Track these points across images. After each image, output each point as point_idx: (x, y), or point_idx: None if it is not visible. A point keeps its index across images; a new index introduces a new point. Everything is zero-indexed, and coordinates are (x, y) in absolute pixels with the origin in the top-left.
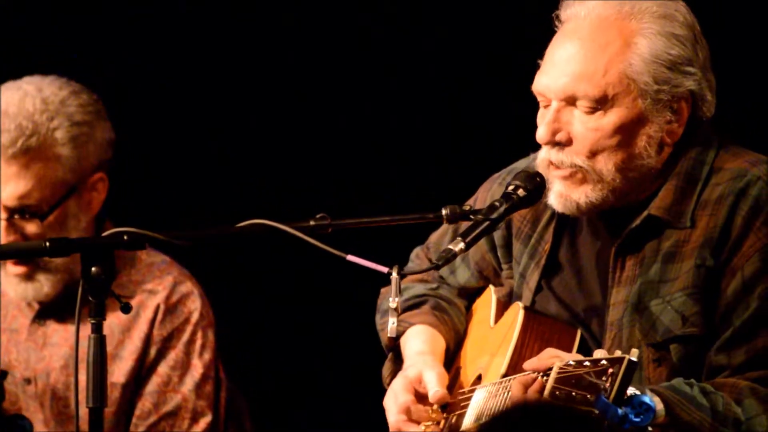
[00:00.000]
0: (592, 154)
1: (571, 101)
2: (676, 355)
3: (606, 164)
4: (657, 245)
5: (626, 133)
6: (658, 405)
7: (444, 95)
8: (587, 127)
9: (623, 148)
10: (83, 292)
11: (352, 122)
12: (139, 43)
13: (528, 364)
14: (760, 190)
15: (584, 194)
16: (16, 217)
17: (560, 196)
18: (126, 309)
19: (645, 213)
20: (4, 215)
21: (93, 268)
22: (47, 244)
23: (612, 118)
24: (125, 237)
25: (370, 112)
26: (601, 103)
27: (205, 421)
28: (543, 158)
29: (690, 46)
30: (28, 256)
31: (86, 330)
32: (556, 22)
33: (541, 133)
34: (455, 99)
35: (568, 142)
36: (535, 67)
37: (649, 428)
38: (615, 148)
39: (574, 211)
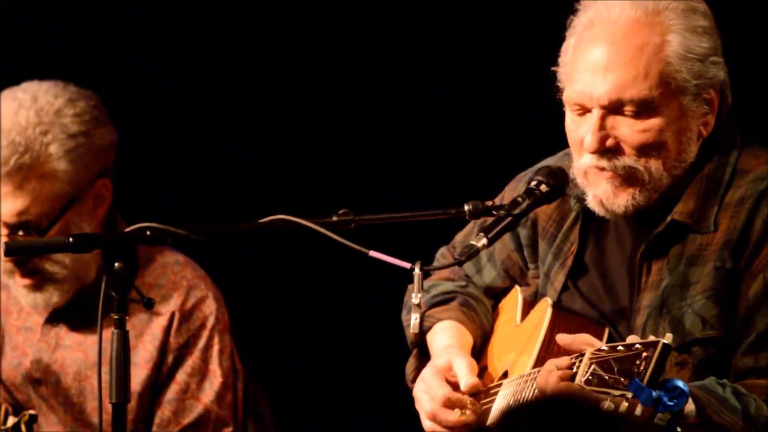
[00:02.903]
0: (644, 155)
1: (615, 107)
2: (698, 358)
3: (655, 163)
4: (681, 249)
5: (671, 131)
6: (690, 405)
7: (471, 92)
8: (635, 130)
9: (670, 147)
10: (106, 288)
11: (376, 119)
12: (152, 36)
13: (561, 338)
14: None
15: (631, 196)
16: (20, 233)
17: (606, 199)
18: (149, 304)
19: (669, 218)
20: (4, 231)
21: (116, 264)
22: (70, 239)
23: (658, 118)
24: (148, 232)
25: (393, 108)
26: (647, 106)
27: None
28: (589, 165)
29: (715, 37)
30: (50, 251)
31: (92, 336)
32: (576, 28)
33: (590, 143)
34: (482, 96)
35: (617, 148)
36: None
37: (678, 429)
38: (664, 147)
39: (616, 215)
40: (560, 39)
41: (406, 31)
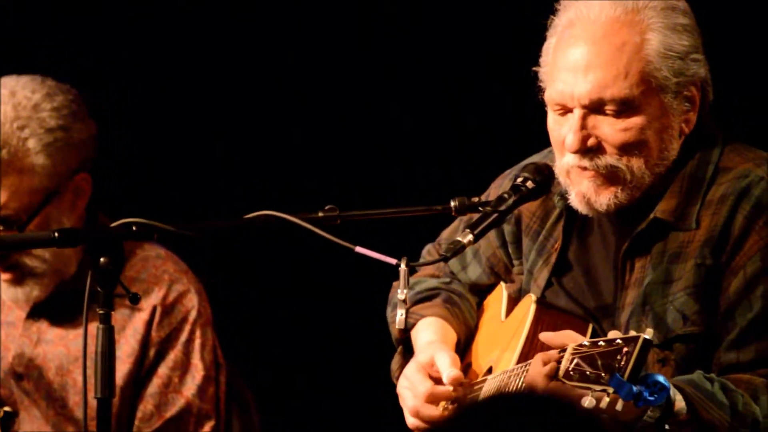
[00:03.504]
0: (626, 154)
1: (596, 107)
2: (679, 355)
3: (637, 162)
4: (663, 247)
5: (653, 129)
6: (680, 402)
7: (456, 89)
8: (616, 129)
9: (652, 145)
10: (91, 283)
11: (364, 115)
12: (141, 31)
13: (544, 336)
14: (763, 190)
15: (613, 195)
16: (0, 228)
17: (588, 197)
18: (135, 299)
19: (651, 216)
20: None
21: (102, 259)
22: (56, 234)
23: (639, 117)
24: (134, 227)
25: (380, 105)
26: (628, 104)
27: (209, 425)
28: (571, 165)
29: (695, 34)
30: (36, 246)
31: (81, 329)
32: (557, 28)
33: (572, 143)
34: (467, 93)
35: (599, 147)
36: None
37: (666, 426)
38: (645, 145)
39: (598, 213)
40: (543, 39)
41: (394, 28)
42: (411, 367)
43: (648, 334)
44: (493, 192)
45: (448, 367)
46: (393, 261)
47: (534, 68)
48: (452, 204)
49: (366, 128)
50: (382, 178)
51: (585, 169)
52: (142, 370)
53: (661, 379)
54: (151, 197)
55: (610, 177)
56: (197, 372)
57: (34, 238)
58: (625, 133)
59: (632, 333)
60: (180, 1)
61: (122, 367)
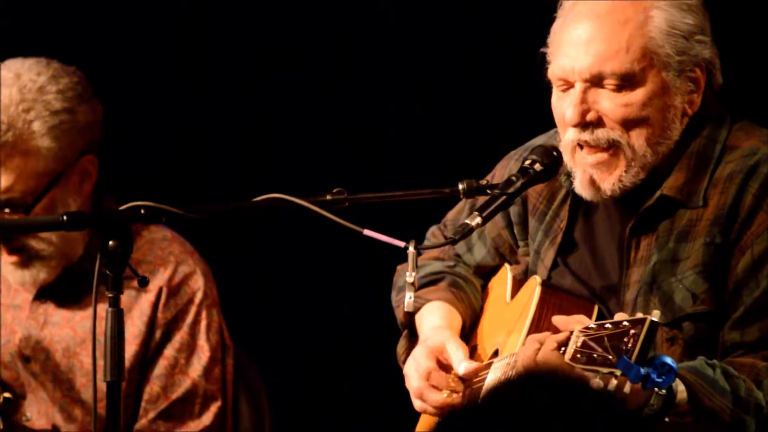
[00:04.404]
0: (626, 129)
1: (597, 81)
2: (688, 333)
3: (638, 139)
4: (670, 224)
5: (654, 106)
6: (682, 393)
7: (460, 71)
8: (617, 104)
9: (653, 122)
10: (100, 266)
11: (371, 98)
12: (150, 14)
13: (556, 319)
14: None
15: (617, 179)
16: (6, 210)
17: (592, 184)
18: (143, 283)
19: (658, 193)
20: None
21: (110, 242)
22: (65, 217)
23: (640, 92)
24: (142, 210)
25: (388, 88)
26: (628, 80)
27: (216, 406)
28: (572, 140)
29: (701, 15)
30: (45, 229)
31: (87, 311)
32: (564, 9)
33: (571, 115)
34: (472, 76)
35: (599, 122)
36: (538, 50)
37: (666, 419)
38: (645, 122)
39: (604, 198)
40: (549, 21)
41: (399, 10)
42: (419, 350)
43: (655, 315)
44: (498, 173)
45: (462, 359)
46: (401, 244)
47: (542, 50)
48: (460, 187)
49: (374, 111)
50: (389, 160)
51: (587, 145)
52: (149, 351)
53: (668, 360)
54: (158, 180)
55: (612, 155)
56: (203, 353)
57: (42, 221)
58: (626, 109)
59: (639, 315)
60: None
61: (129, 349)
